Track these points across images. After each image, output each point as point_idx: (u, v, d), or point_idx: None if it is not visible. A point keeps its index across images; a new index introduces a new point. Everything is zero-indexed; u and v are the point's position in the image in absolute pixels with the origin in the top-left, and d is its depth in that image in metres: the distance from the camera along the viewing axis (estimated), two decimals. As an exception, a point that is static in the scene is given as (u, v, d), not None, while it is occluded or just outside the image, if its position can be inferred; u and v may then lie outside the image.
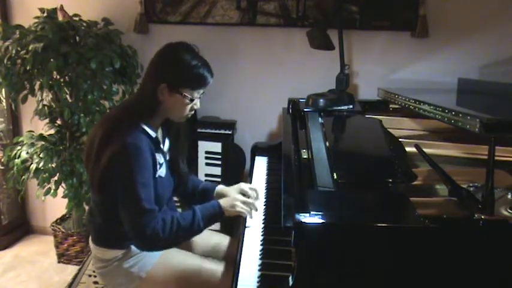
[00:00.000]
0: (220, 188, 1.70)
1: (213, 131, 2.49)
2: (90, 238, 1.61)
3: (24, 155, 2.37)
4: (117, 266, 1.54)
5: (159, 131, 1.57)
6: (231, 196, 1.58)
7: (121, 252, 1.53)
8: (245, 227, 1.51)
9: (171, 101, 1.46)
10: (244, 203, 1.53)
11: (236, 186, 1.67)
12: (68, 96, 2.32)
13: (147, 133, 1.46)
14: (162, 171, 1.50)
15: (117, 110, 1.57)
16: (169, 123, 1.58)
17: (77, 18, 2.42)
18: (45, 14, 2.38)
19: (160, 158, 1.50)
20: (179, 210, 1.80)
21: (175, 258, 1.57)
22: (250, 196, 1.62)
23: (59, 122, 2.49)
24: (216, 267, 1.59)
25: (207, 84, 1.48)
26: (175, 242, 1.48)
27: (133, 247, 1.52)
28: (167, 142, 1.62)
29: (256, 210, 1.55)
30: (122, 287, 1.56)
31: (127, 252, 1.53)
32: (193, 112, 1.53)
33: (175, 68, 1.44)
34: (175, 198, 1.76)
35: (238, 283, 1.24)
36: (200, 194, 1.72)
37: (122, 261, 1.53)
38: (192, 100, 1.47)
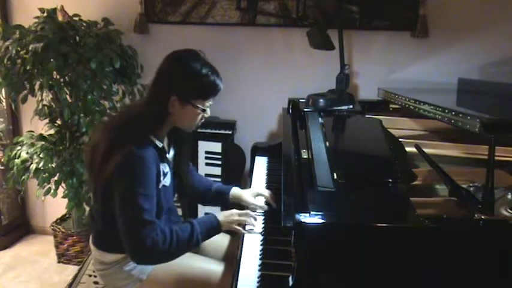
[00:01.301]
0: (236, 190, 1.70)
1: (213, 131, 2.49)
2: (90, 240, 1.61)
3: (24, 155, 2.37)
4: (117, 268, 1.53)
5: (165, 140, 1.54)
6: (244, 200, 1.65)
7: (121, 256, 1.52)
8: (245, 231, 1.50)
9: (182, 112, 1.43)
10: (241, 215, 1.51)
11: (252, 189, 1.69)
12: (68, 96, 2.32)
13: (154, 143, 1.43)
14: (166, 181, 1.48)
15: (122, 118, 1.50)
16: (174, 131, 1.54)
17: (76, 18, 2.41)
18: (45, 14, 2.38)
19: (165, 168, 1.48)
20: (178, 211, 1.79)
21: (175, 260, 1.56)
22: (267, 197, 1.65)
23: (59, 122, 2.49)
24: (216, 268, 1.58)
25: (218, 91, 1.45)
26: (172, 255, 1.44)
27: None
28: (171, 150, 1.60)
29: (256, 219, 1.54)
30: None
31: (127, 256, 1.51)
32: (203, 121, 1.50)
33: (186, 80, 1.41)
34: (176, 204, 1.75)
35: (238, 283, 1.24)
36: (215, 196, 1.72)
37: (122, 264, 1.52)
38: (204, 110, 1.45)
